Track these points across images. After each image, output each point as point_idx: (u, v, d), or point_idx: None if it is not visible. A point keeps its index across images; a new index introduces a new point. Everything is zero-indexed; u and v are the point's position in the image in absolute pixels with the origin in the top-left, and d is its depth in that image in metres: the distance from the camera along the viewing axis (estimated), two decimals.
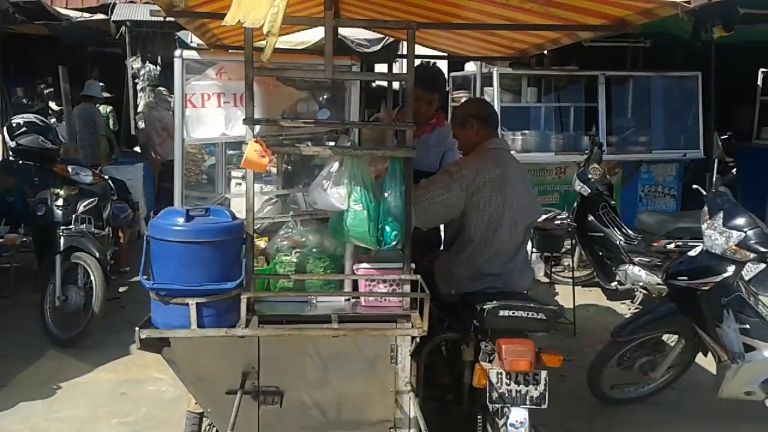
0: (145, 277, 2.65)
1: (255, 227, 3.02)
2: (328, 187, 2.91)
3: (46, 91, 11.53)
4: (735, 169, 7.77)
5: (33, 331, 5.59)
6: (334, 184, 2.91)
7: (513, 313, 3.13)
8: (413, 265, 3.00)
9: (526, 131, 8.17)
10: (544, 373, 3.07)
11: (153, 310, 2.73)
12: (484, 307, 3.13)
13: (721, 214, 3.84)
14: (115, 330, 5.55)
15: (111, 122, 10.80)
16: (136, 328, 2.68)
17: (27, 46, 11.07)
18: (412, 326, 2.81)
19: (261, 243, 3.43)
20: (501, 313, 3.12)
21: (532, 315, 3.14)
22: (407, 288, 2.97)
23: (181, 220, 2.63)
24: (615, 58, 9.43)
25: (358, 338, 2.90)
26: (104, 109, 10.42)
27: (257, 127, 2.95)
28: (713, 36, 6.84)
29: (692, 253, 4.12)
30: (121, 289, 6.75)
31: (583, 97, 8.56)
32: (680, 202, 8.62)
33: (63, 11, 8.75)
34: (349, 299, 3.05)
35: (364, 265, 3.04)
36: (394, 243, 2.91)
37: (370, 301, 2.99)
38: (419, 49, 5.75)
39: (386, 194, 2.94)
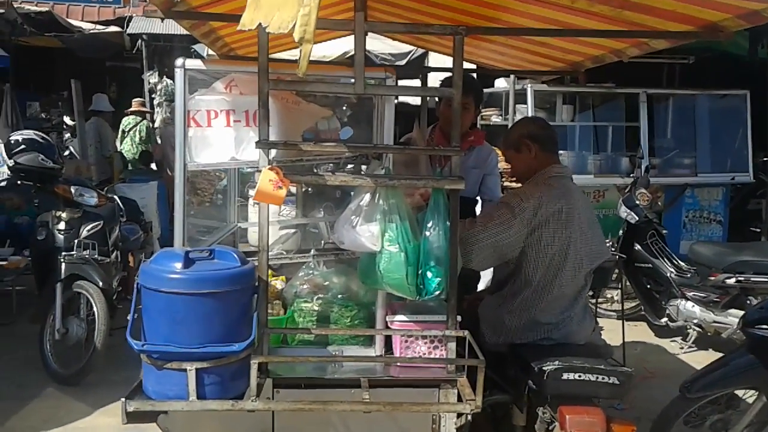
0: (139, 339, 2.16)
1: (270, 264, 2.54)
2: (357, 224, 2.42)
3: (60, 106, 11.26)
4: None
5: (31, 366, 5.16)
6: (365, 220, 2.42)
7: (579, 376, 2.60)
8: (459, 317, 2.50)
9: (562, 151, 7.63)
10: None
11: (144, 376, 2.25)
12: (544, 368, 2.61)
13: None
14: (120, 365, 5.06)
15: (144, 134, 10.36)
16: (122, 399, 2.19)
17: (45, 59, 10.77)
18: (460, 398, 2.29)
19: (277, 283, 2.96)
20: (565, 376, 2.60)
21: (603, 378, 2.61)
22: (452, 346, 2.46)
23: (178, 265, 2.15)
24: (652, 74, 8.93)
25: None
26: (136, 121, 10.05)
27: (273, 151, 2.48)
28: None
29: None
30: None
31: (622, 116, 8.05)
32: (727, 229, 8.08)
33: (75, 23, 8.42)
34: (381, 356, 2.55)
35: (400, 317, 2.54)
36: (437, 292, 2.40)
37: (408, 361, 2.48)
38: (446, 61, 5.25)
39: (427, 233, 2.45)
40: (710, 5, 2.32)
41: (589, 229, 3.08)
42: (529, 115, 7.32)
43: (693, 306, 5.63)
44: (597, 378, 2.61)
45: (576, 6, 2.63)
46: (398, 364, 2.50)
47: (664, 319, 5.90)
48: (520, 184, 3.37)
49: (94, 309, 4.98)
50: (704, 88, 8.31)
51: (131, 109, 9.97)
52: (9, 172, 5.80)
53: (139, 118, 10.07)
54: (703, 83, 8.77)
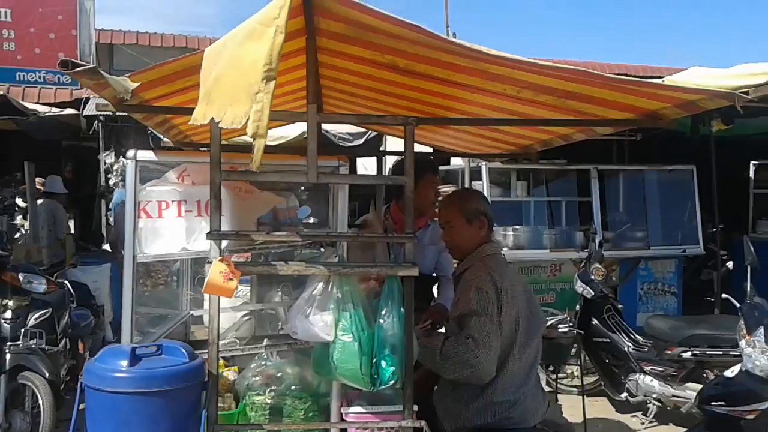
0: None
1: (222, 355, 2.48)
2: (310, 313, 2.39)
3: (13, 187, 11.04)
4: (731, 263, 7.44)
5: None
6: (319, 309, 2.40)
7: None
8: (416, 407, 2.45)
9: (518, 226, 7.80)
10: None
11: None
12: None
13: (761, 330, 3.36)
14: None
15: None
16: None
17: None
18: None
19: (229, 374, 2.88)
20: None
21: None
22: None
23: (123, 363, 2.08)
24: (602, 150, 9.20)
25: None
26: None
27: (225, 241, 2.46)
28: (712, 129, 6.58)
29: (729, 373, 3.60)
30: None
31: (575, 191, 8.23)
32: (681, 300, 8.21)
33: (31, 106, 8.34)
34: None
35: (356, 408, 2.49)
36: (391, 382, 2.37)
37: None
38: (401, 144, 5.32)
39: (381, 320, 2.43)
40: (648, 96, 2.42)
41: (529, 299, 3.04)
42: (485, 191, 7.43)
43: (651, 380, 5.64)
44: None
45: (522, 96, 2.72)
46: None
47: (624, 394, 5.87)
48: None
49: (40, 401, 4.77)
50: (652, 164, 8.60)
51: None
52: None
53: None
54: (651, 159, 9.07)
